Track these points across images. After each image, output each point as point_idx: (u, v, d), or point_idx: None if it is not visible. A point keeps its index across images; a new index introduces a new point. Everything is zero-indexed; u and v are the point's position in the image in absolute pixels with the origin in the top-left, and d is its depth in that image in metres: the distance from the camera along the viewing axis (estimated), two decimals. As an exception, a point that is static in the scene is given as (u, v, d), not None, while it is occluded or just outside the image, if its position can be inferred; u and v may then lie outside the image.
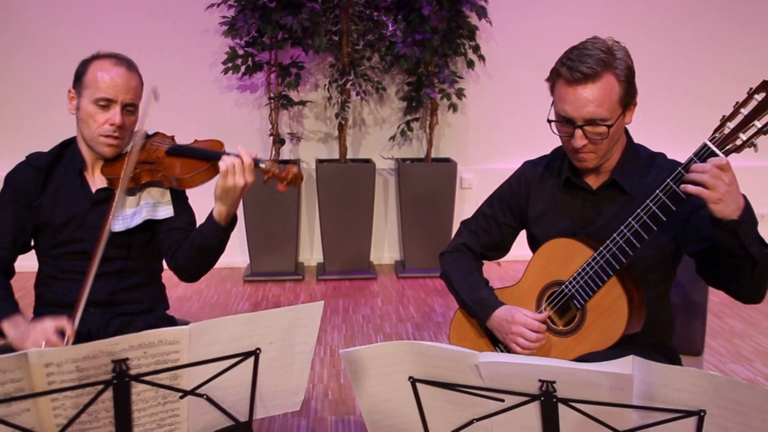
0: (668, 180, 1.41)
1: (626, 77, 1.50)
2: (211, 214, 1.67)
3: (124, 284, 1.77)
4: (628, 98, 1.52)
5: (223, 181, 1.61)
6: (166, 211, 1.76)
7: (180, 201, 1.79)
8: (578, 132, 1.51)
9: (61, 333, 1.54)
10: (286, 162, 4.36)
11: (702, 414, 1.01)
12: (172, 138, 1.81)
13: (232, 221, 1.69)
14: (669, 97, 4.49)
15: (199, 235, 1.70)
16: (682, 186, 1.37)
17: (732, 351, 3.14)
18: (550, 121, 1.56)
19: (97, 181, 1.77)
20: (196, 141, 1.79)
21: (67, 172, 1.77)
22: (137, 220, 1.73)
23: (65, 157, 1.79)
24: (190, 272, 1.76)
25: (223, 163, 1.61)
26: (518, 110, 4.50)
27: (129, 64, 1.74)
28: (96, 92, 1.67)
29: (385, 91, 4.32)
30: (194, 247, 1.70)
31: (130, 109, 1.71)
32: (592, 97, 1.48)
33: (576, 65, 1.47)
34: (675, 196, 1.40)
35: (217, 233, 1.67)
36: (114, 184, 1.71)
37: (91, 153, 1.75)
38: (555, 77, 1.54)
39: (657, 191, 1.42)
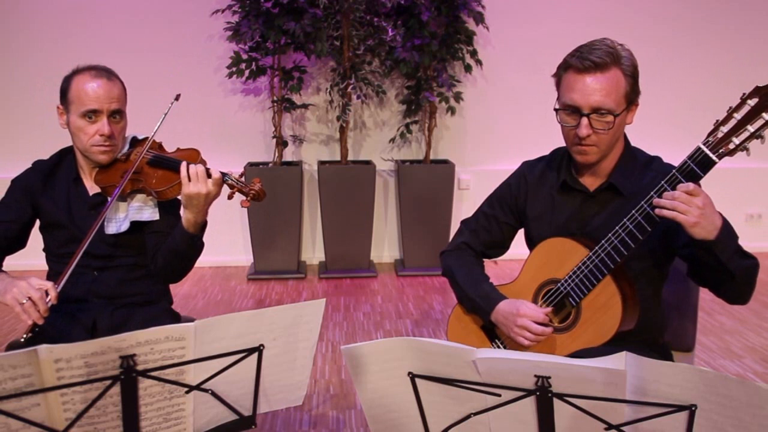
0: (662, 182, 1.43)
1: (632, 73, 1.55)
2: (181, 219, 1.74)
3: (128, 277, 1.85)
4: (632, 95, 1.56)
5: (185, 188, 1.67)
6: (151, 214, 1.82)
7: (166, 205, 1.85)
8: (584, 120, 1.53)
9: (45, 293, 1.58)
10: (288, 164, 4.41)
11: (693, 408, 1.03)
12: (160, 145, 1.88)
13: (201, 228, 1.74)
14: (662, 101, 4.51)
15: (172, 240, 1.76)
16: (657, 211, 1.41)
17: (722, 347, 3.17)
18: (556, 110, 1.59)
19: (94, 185, 1.84)
20: (178, 149, 1.86)
21: (66, 178, 1.86)
22: (127, 224, 1.80)
23: (64, 164, 1.87)
24: (167, 275, 1.83)
25: (184, 170, 1.68)
26: (514, 113, 4.54)
27: (108, 74, 1.78)
28: (81, 106, 1.73)
29: (385, 95, 4.36)
30: (168, 251, 1.77)
31: (117, 116, 1.77)
32: (599, 86, 1.52)
33: (586, 55, 1.53)
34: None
35: (186, 239, 1.73)
36: (107, 192, 1.79)
37: (88, 160, 1.83)
38: (563, 70, 1.58)
39: (652, 192, 1.44)
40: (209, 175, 1.69)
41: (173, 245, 1.75)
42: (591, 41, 1.57)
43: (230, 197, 1.76)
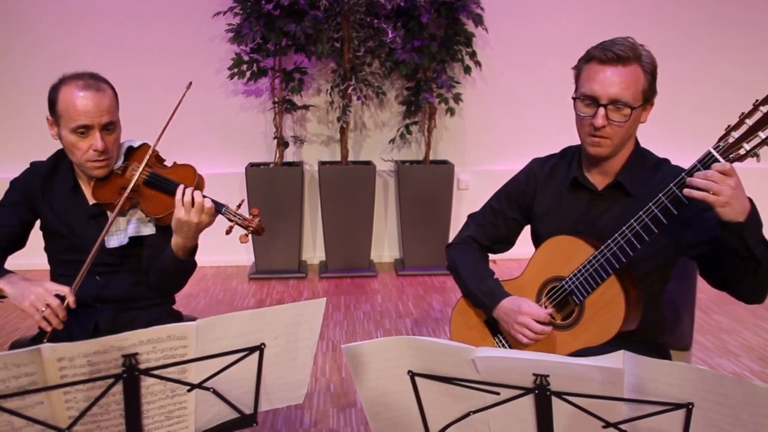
0: (671, 185, 1.43)
1: (651, 71, 1.57)
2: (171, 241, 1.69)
3: (131, 282, 1.83)
4: (649, 93, 1.57)
5: (177, 212, 1.62)
6: (148, 229, 1.79)
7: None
8: (601, 111, 1.54)
9: (61, 298, 1.57)
10: (289, 164, 4.42)
11: (690, 407, 1.03)
12: (157, 155, 1.82)
13: (190, 253, 1.70)
14: (661, 103, 4.50)
15: (162, 259, 1.73)
16: (686, 191, 1.39)
17: (719, 346, 3.18)
18: (574, 98, 1.60)
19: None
20: (175, 164, 1.81)
21: (64, 187, 1.81)
22: (128, 239, 1.78)
23: (61, 169, 1.82)
24: (159, 290, 1.81)
25: (179, 194, 1.62)
26: (513, 114, 4.55)
27: (97, 83, 1.69)
28: (71, 122, 1.65)
29: (385, 96, 4.38)
30: (159, 269, 1.74)
31: (110, 128, 1.70)
32: (619, 78, 1.53)
33: (609, 47, 1.55)
34: (677, 200, 1.43)
35: (175, 262, 1.69)
36: (107, 207, 1.76)
37: (83, 172, 1.78)
38: (584, 61, 1.60)
39: (660, 195, 1.45)
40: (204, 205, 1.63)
41: (163, 264, 1.72)
42: (614, 38, 1.58)
43: (228, 232, 1.71)
